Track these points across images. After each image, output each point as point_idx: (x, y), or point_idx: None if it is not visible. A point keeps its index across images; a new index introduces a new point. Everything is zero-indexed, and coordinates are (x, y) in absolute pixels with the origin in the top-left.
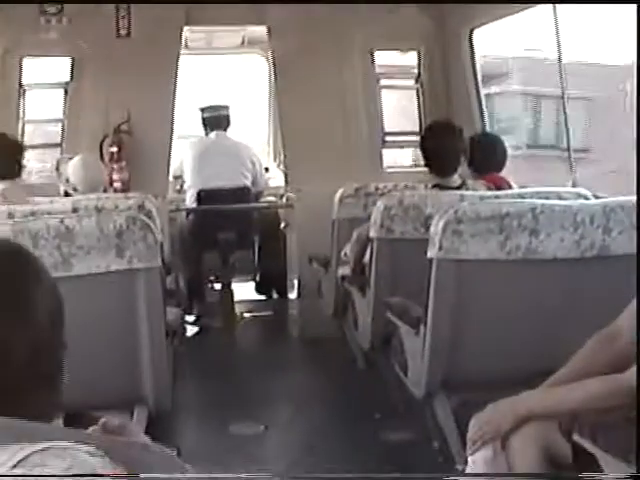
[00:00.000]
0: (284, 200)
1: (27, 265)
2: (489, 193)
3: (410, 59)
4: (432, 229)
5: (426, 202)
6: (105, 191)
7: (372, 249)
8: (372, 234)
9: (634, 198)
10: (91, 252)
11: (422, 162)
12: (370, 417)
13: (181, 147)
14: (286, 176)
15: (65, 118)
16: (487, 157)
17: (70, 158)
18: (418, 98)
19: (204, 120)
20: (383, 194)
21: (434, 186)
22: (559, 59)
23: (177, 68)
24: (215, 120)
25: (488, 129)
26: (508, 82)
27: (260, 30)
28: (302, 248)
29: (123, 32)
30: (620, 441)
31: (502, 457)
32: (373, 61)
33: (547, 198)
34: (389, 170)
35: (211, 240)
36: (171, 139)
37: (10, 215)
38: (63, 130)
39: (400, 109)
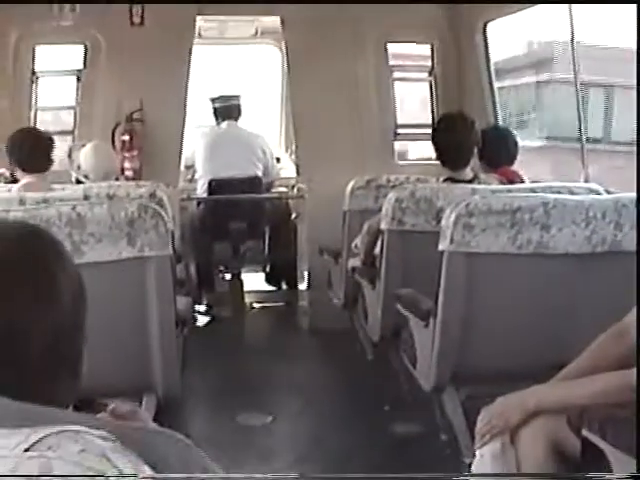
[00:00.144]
0: (295, 191)
1: (51, 249)
2: (501, 187)
3: (424, 51)
4: (443, 222)
5: (438, 195)
6: (117, 179)
7: (383, 241)
8: (383, 226)
9: None
10: (102, 240)
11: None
12: (379, 409)
13: (193, 136)
14: (297, 167)
15: (77, 106)
16: (499, 150)
17: (83, 145)
18: (431, 90)
19: (215, 110)
20: (394, 186)
21: (446, 179)
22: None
23: (190, 57)
24: (226, 110)
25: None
26: (555, 69)
27: (273, 21)
28: (313, 239)
29: (137, 20)
30: (629, 436)
31: (510, 451)
32: (386, 53)
33: (559, 193)
34: (401, 162)
35: (222, 230)
36: (183, 128)
37: (22, 202)
38: (75, 118)
39: (413, 101)
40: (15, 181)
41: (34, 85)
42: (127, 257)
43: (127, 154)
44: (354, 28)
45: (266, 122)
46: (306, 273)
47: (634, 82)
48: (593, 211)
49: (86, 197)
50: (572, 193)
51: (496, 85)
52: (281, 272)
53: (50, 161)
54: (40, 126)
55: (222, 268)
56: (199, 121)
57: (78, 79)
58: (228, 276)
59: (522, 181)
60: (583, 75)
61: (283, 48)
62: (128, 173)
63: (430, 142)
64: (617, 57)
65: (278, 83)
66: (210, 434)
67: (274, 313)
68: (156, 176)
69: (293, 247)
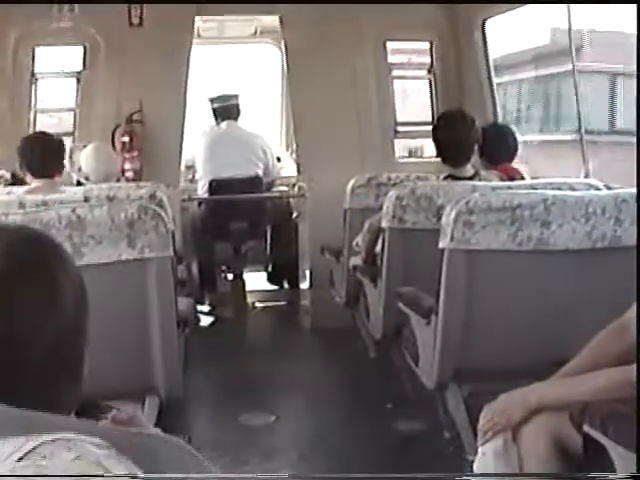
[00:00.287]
0: (296, 190)
1: (53, 252)
2: (501, 184)
3: (423, 49)
4: (444, 220)
5: (438, 192)
6: (118, 180)
7: (384, 239)
8: (384, 224)
9: None
10: (102, 241)
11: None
12: (382, 407)
13: (193, 137)
14: (298, 166)
15: (77, 107)
16: (499, 147)
17: (84, 146)
18: (430, 88)
19: (214, 110)
20: (395, 184)
21: (447, 176)
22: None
23: (189, 57)
24: (225, 110)
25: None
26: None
27: (272, 20)
28: (314, 238)
29: (135, 21)
30: (631, 432)
31: (513, 448)
32: (385, 51)
33: (559, 189)
34: (401, 160)
35: (223, 230)
36: (183, 128)
37: (21, 205)
38: (75, 119)
39: (412, 99)
40: (15, 183)
41: (33, 87)
42: (127, 259)
43: (127, 155)
44: (353, 27)
45: (266, 121)
46: (308, 272)
47: None
48: (593, 207)
49: (86, 199)
50: (572, 189)
51: (521, 76)
52: (283, 271)
53: (61, 167)
54: (39, 128)
55: (224, 268)
56: (199, 121)
57: (78, 80)
58: (230, 276)
59: (522, 178)
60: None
61: (282, 47)
62: (128, 174)
63: (430, 140)
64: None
65: (278, 82)
66: (213, 434)
67: (276, 312)
68: (156, 177)
69: (294, 246)
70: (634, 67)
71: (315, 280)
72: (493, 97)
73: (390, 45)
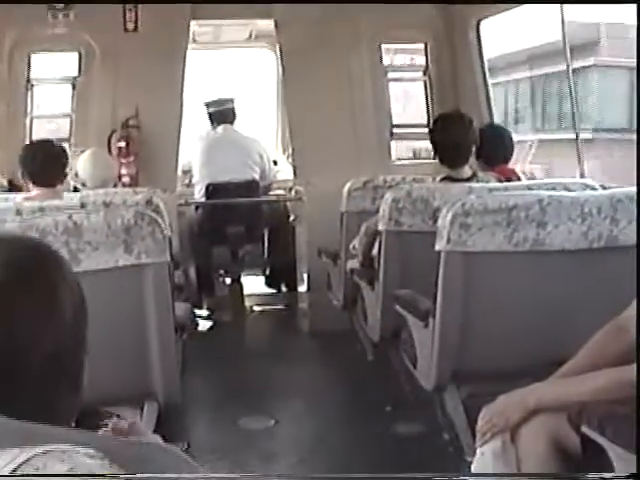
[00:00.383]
0: (293, 193)
1: (52, 262)
2: (498, 185)
3: (418, 50)
4: (440, 222)
5: (434, 195)
6: (115, 186)
7: (381, 242)
8: (380, 227)
9: None
10: (99, 248)
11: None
12: (380, 409)
13: (190, 141)
14: (295, 169)
15: (73, 113)
16: (496, 149)
17: (82, 151)
18: (426, 90)
19: (210, 115)
20: (391, 187)
21: (444, 178)
22: None
23: (185, 62)
24: (221, 114)
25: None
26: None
27: (267, 24)
28: (311, 241)
29: (130, 26)
30: (629, 433)
31: (511, 449)
32: (380, 53)
33: (554, 189)
34: (397, 162)
35: (220, 234)
36: (179, 133)
37: (18, 212)
38: (71, 125)
39: (408, 101)
40: (12, 190)
41: (29, 93)
42: (124, 265)
43: (124, 160)
44: (348, 29)
45: (262, 125)
46: (305, 275)
47: None
48: (589, 207)
49: (83, 205)
50: (568, 189)
51: (540, 72)
52: (280, 275)
53: (63, 176)
54: (38, 133)
55: (222, 272)
56: (195, 126)
57: (73, 86)
58: (228, 280)
59: (519, 179)
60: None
61: (278, 51)
62: (125, 179)
63: (425, 141)
64: None
65: (274, 86)
66: (212, 439)
67: (274, 316)
68: (153, 182)
69: (292, 249)
70: None
71: (313, 283)
72: (488, 98)
73: (385, 47)
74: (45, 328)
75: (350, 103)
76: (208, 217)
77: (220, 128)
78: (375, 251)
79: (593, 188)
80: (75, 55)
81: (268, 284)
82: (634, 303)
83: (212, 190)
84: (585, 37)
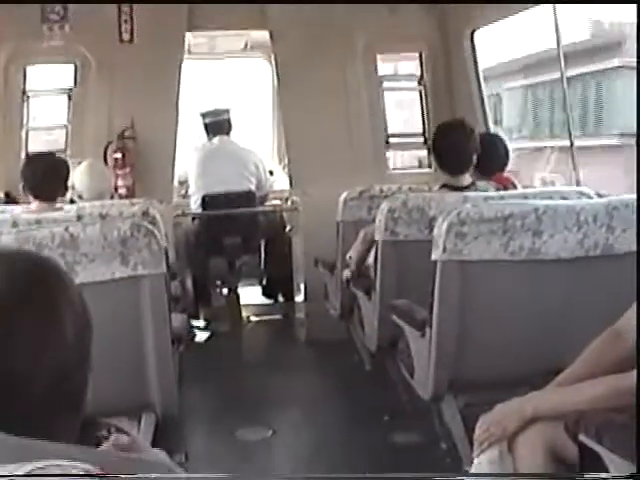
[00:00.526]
0: (289, 203)
1: (55, 279)
2: (493, 194)
3: (412, 61)
4: (436, 231)
5: (430, 204)
6: (111, 197)
7: (377, 252)
8: (377, 237)
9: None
10: (95, 260)
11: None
12: (378, 419)
13: (186, 152)
14: (291, 179)
15: (69, 124)
16: (492, 157)
17: (79, 163)
18: (421, 99)
19: (206, 125)
20: (387, 196)
21: (442, 186)
22: None
23: (180, 73)
24: (216, 125)
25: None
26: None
27: (263, 34)
28: (308, 251)
29: (126, 38)
30: (626, 441)
31: (508, 458)
32: (375, 63)
33: (550, 198)
34: (393, 172)
35: (217, 245)
36: (175, 144)
37: (14, 224)
38: (67, 136)
39: (403, 110)
40: (9, 202)
41: (25, 105)
42: (121, 276)
43: (120, 172)
44: (343, 40)
45: (258, 135)
46: (302, 285)
47: None
48: (584, 215)
49: (79, 217)
50: (564, 198)
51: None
52: (277, 285)
53: (63, 190)
54: (37, 145)
55: (218, 283)
56: (191, 136)
57: (69, 98)
58: (225, 291)
59: (515, 187)
60: None
61: (273, 61)
62: (121, 191)
63: (420, 150)
64: None
65: (269, 96)
66: (210, 450)
67: (271, 326)
68: (149, 193)
69: (288, 259)
70: None
71: (309, 293)
72: (483, 106)
73: (380, 57)
74: (46, 347)
75: (345, 113)
76: (205, 228)
77: (216, 139)
78: (371, 260)
79: (589, 196)
80: (71, 67)
81: (265, 294)
82: (630, 310)
83: (208, 201)
84: (610, 37)
